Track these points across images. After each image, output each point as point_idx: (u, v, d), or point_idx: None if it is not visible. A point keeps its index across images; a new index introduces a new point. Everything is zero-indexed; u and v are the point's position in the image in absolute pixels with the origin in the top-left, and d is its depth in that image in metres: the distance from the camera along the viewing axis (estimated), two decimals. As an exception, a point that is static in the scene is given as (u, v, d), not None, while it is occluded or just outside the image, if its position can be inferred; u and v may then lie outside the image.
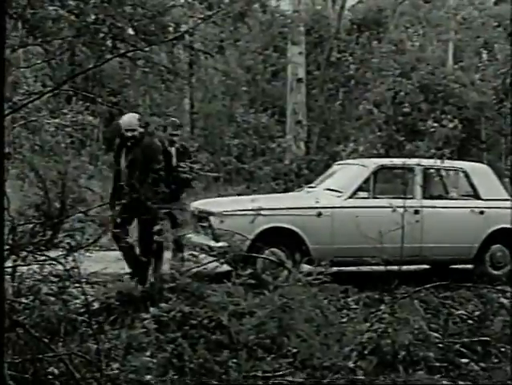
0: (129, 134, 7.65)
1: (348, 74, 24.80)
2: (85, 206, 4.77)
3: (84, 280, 5.25)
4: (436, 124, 11.03)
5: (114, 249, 8.33)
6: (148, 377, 5.16)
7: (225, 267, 8.29)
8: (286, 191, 13.55)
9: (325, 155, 19.42)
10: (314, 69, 23.88)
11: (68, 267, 4.63)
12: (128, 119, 7.90)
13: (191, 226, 9.73)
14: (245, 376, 5.20)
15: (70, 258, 4.72)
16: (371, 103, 19.19)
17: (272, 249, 8.66)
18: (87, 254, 5.91)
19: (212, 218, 8.85)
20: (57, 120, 16.53)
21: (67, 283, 4.93)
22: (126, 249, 7.61)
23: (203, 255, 8.32)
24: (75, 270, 4.70)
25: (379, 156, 13.38)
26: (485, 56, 33.96)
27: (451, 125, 10.65)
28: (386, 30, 29.80)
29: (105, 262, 7.34)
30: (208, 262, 7.62)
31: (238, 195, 13.73)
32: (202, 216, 9.18)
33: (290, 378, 5.25)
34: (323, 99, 23.48)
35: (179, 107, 26.79)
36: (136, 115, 7.97)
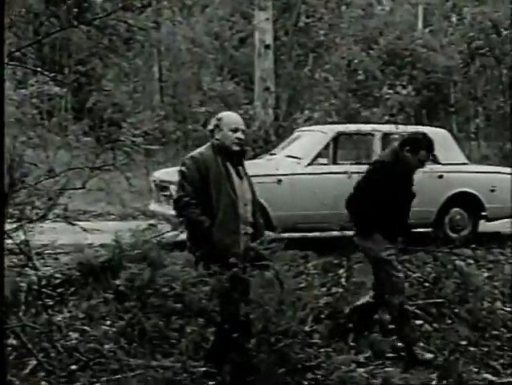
0: (241, 140, 4.97)
1: (317, 40, 24.69)
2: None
3: (37, 252, 5.26)
4: (390, 91, 11.14)
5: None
6: (107, 346, 5.25)
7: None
8: (254, 157, 13.57)
9: (293, 121, 19.43)
10: (282, 35, 23.79)
11: (18, 241, 4.67)
12: (236, 116, 5.20)
13: (153, 196, 9.78)
14: (200, 344, 5.30)
15: (21, 232, 4.75)
16: (327, 70, 19.20)
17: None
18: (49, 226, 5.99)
19: (172, 187, 8.86)
20: (23, 91, 16.41)
21: (22, 256, 4.96)
22: None
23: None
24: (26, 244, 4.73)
25: (334, 123, 13.44)
26: (454, 20, 34.06)
27: (405, 92, 10.76)
28: (354, -7, 29.66)
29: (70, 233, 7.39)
30: (168, 231, 7.67)
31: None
32: (163, 186, 9.21)
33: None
34: (292, 65, 23.47)
35: (148, 75, 26.65)
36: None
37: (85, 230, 6.48)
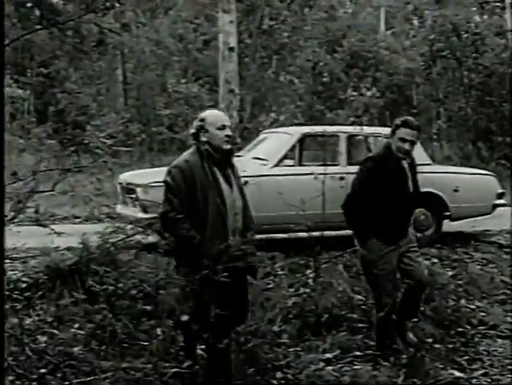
0: (230, 137, 4.74)
1: (281, 42, 24.78)
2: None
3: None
4: (355, 93, 11.30)
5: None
6: (76, 349, 5.24)
7: (153, 238, 8.39)
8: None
9: (259, 123, 19.48)
10: (246, 37, 23.84)
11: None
12: (221, 113, 5.03)
13: (119, 198, 9.75)
14: (168, 347, 5.31)
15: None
16: (292, 73, 19.34)
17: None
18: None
19: (138, 190, 8.87)
20: (-16, 94, 16.21)
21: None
22: None
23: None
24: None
25: (300, 124, 13.57)
26: (415, 22, 34.49)
27: (369, 93, 10.92)
28: (317, -4, 29.86)
29: (37, 237, 7.36)
30: (135, 233, 7.66)
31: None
32: (130, 188, 9.20)
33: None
34: (256, 67, 23.52)
35: (111, 77, 26.53)
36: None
37: (57, 233, 6.46)
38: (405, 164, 5.49)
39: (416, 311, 5.93)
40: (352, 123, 9.87)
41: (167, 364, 4.67)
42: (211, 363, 4.87)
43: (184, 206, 4.55)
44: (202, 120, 4.72)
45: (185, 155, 4.76)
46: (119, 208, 9.50)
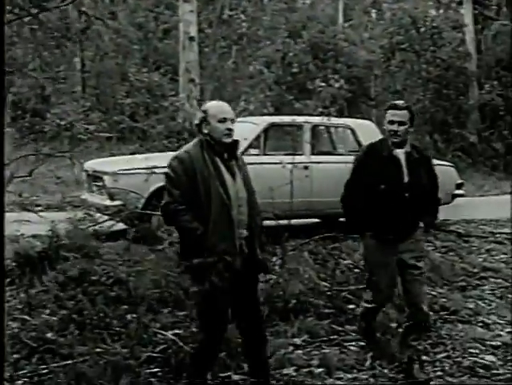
0: (231, 130, 4.51)
1: (240, 32, 24.82)
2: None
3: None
4: (323, 84, 11.43)
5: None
6: (50, 334, 5.30)
7: (122, 225, 8.43)
8: (179, 149, 13.56)
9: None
10: (206, 27, 23.83)
11: None
12: (224, 105, 4.69)
13: (84, 186, 9.73)
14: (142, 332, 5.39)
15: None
16: (261, 63, 19.42)
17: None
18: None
19: (106, 177, 8.87)
20: None
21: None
22: None
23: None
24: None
25: (269, 114, 13.67)
26: (373, 15, 34.83)
27: (337, 85, 11.07)
28: (277, -14, 29.92)
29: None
30: (104, 221, 7.71)
31: (132, 154, 13.67)
32: (96, 176, 9.19)
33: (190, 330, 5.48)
34: (216, 57, 23.54)
35: (70, 65, 26.27)
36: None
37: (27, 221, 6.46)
38: (401, 153, 5.16)
39: (421, 336, 5.52)
40: (320, 114, 9.95)
41: (143, 349, 4.74)
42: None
43: (185, 198, 4.40)
44: (205, 112, 4.56)
45: (187, 146, 4.61)
46: (86, 196, 9.49)
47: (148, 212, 8.25)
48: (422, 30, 21.13)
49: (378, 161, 5.16)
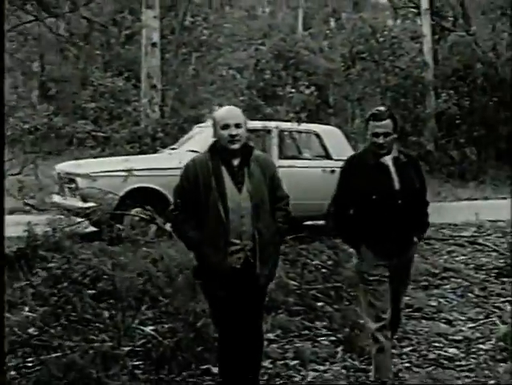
0: (235, 136, 4.37)
1: (201, 39, 25.01)
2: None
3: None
4: (293, 90, 11.72)
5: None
6: (31, 330, 5.45)
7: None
8: (141, 154, 13.67)
9: (179, 118, 19.70)
10: (168, 33, 23.97)
11: None
12: (229, 110, 4.57)
13: (56, 188, 9.84)
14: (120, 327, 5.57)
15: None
16: (233, 68, 19.71)
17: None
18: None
19: (79, 180, 9.01)
20: None
21: None
22: None
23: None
24: None
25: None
26: (332, 24, 35.34)
27: (307, 91, 11.39)
28: (238, -6, 30.17)
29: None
30: (79, 222, 7.86)
31: (94, 158, 13.76)
32: (69, 178, 9.32)
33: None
34: (177, 63, 23.70)
35: (28, 70, 26.14)
36: (236, 108, 4.68)
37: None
38: (388, 159, 4.88)
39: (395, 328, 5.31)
40: (291, 119, 10.23)
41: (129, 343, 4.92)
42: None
43: (187, 206, 4.37)
44: (213, 118, 4.48)
45: (200, 153, 4.55)
46: (57, 199, 9.60)
47: (120, 212, 8.41)
48: (381, 40, 21.60)
49: (365, 171, 4.88)
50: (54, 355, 4.51)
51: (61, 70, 24.79)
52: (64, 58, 24.37)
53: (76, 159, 14.01)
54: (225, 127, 4.33)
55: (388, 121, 4.83)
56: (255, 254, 4.39)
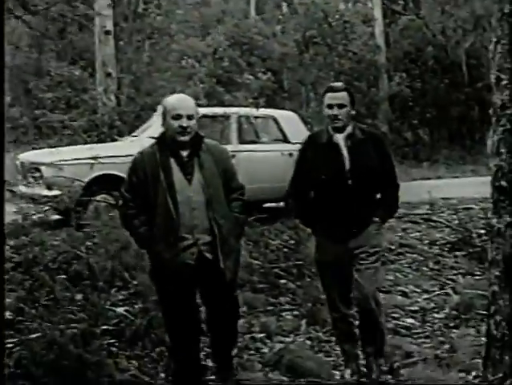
0: (186, 128, 4.19)
1: (155, 26, 25.02)
2: None
3: None
4: (251, 77, 11.91)
5: None
6: (7, 313, 5.64)
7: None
8: (99, 142, 13.77)
9: (136, 106, 19.77)
10: (120, 21, 23.91)
11: None
12: (181, 99, 4.35)
13: (20, 177, 9.95)
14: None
15: None
16: (191, 57, 19.89)
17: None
18: None
19: (43, 168, 9.15)
20: None
21: None
22: None
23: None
24: None
25: (203, 106, 14.19)
26: (285, 9, 35.52)
27: (265, 77, 11.58)
28: (191, -19, 30.19)
29: None
30: (46, 210, 8.02)
31: (52, 147, 13.83)
32: (33, 167, 9.44)
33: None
34: (132, 50, 23.71)
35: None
36: (188, 97, 4.41)
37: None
38: (340, 138, 4.69)
39: (372, 336, 4.82)
40: (249, 105, 10.50)
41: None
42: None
43: (136, 201, 4.19)
44: (164, 106, 4.27)
45: (148, 146, 4.34)
46: (22, 188, 9.71)
47: (86, 198, 8.59)
48: (334, 24, 21.92)
49: (317, 150, 4.73)
50: (34, 336, 4.70)
51: (14, 59, 24.56)
52: (16, 47, 24.17)
53: (34, 149, 14.10)
54: (177, 117, 4.14)
55: (343, 93, 4.67)
56: (215, 248, 4.20)
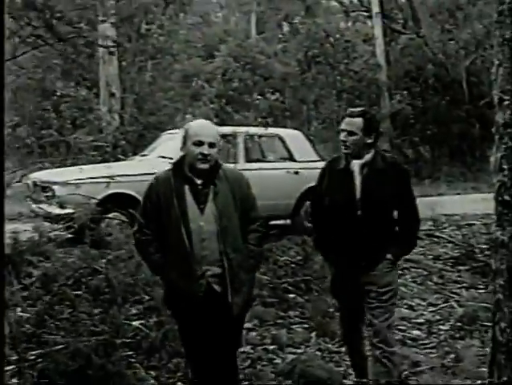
0: (207, 156, 4.03)
1: (157, 46, 25.28)
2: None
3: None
4: (260, 97, 12.08)
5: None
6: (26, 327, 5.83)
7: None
8: (103, 162, 13.93)
9: (139, 126, 20.00)
10: (123, 41, 24.17)
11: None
12: (204, 126, 4.17)
13: (32, 196, 10.13)
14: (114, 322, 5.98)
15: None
16: (202, 79, 20.23)
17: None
18: None
19: (56, 187, 9.34)
20: None
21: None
22: None
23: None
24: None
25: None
26: (286, 28, 35.87)
27: (273, 97, 11.76)
28: (190, 1, 30.49)
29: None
30: (60, 228, 8.21)
31: (58, 167, 14.00)
32: (45, 186, 9.63)
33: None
34: (135, 70, 23.98)
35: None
36: (212, 124, 4.25)
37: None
38: (357, 165, 4.51)
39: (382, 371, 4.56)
40: (258, 124, 10.72)
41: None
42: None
43: (150, 226, 4.08)
44: (185, 131, 4.11)
45: (163, 171, 4.20)
46: (34, 207, 9.91)
47: (100, 216, 8.75)
48: (336, 43, 22.19)
49: (333, 176, 4.59)
50: (57, 347, 4.90)
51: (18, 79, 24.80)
52: (21, 68, 24.41)
53: (41, 168, 14.31)
54: (198, 143, 3.98)
55: (357, 119, 4.46)
56: (225, 281, 4.01)
